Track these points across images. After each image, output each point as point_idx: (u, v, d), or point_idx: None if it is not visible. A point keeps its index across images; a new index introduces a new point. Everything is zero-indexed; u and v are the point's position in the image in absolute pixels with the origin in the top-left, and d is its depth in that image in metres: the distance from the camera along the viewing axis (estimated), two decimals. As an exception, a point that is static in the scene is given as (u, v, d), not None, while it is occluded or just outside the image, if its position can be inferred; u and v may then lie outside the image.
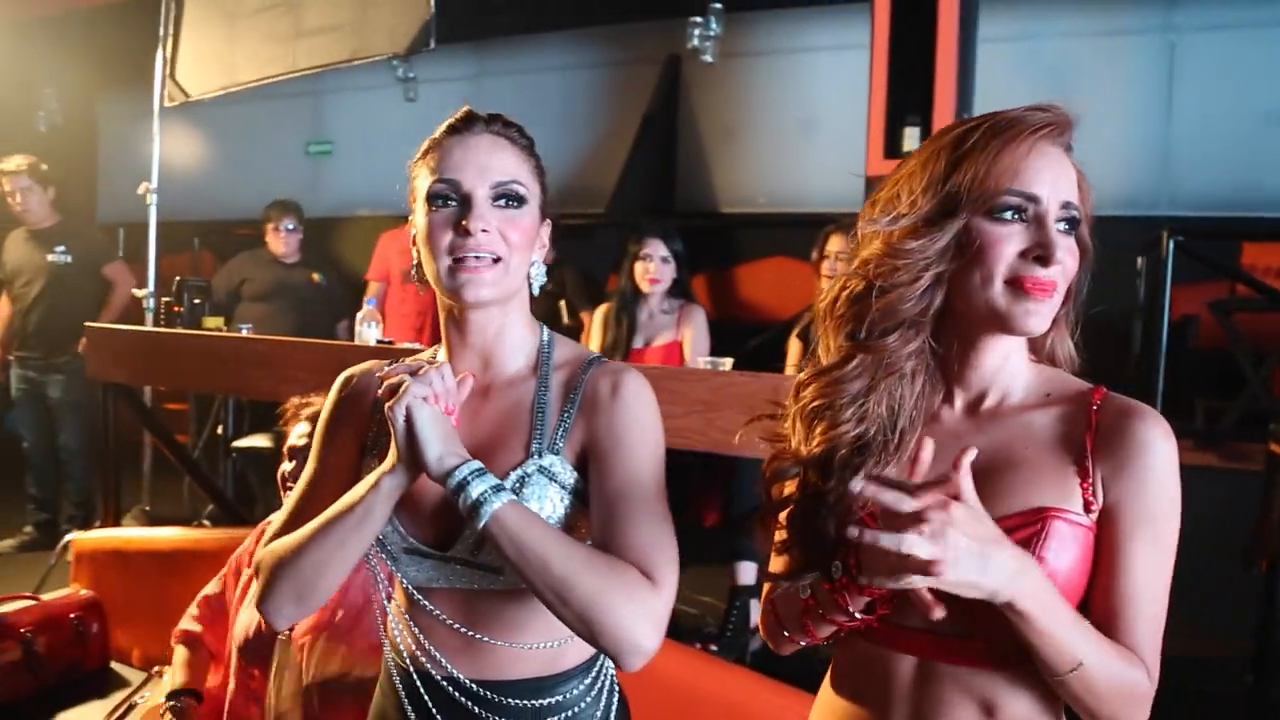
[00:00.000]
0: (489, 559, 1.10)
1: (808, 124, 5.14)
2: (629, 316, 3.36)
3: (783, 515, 1.07)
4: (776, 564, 1.09)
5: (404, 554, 1.14)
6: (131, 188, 3.98)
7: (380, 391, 1.07)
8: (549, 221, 1.19)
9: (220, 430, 4.16)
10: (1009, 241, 0.97)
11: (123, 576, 2.78)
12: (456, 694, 1.14)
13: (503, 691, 1.13)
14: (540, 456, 1.10)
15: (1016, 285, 0.97)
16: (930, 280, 1.00)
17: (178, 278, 3.39)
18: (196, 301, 3.25)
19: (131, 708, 2.36)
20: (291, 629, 1.90)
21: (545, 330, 1.21)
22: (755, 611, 3.02)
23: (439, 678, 1.14)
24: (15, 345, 4.55)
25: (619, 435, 1.10)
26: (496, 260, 1.09)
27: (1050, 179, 0.98)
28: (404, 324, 4.34)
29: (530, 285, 1.17)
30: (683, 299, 3.41)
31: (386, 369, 1.19)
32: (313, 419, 1.91)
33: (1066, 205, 0.98)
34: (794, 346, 3.36)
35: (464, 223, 1.08)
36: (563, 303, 4.04)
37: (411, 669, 1.16)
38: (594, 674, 1.18)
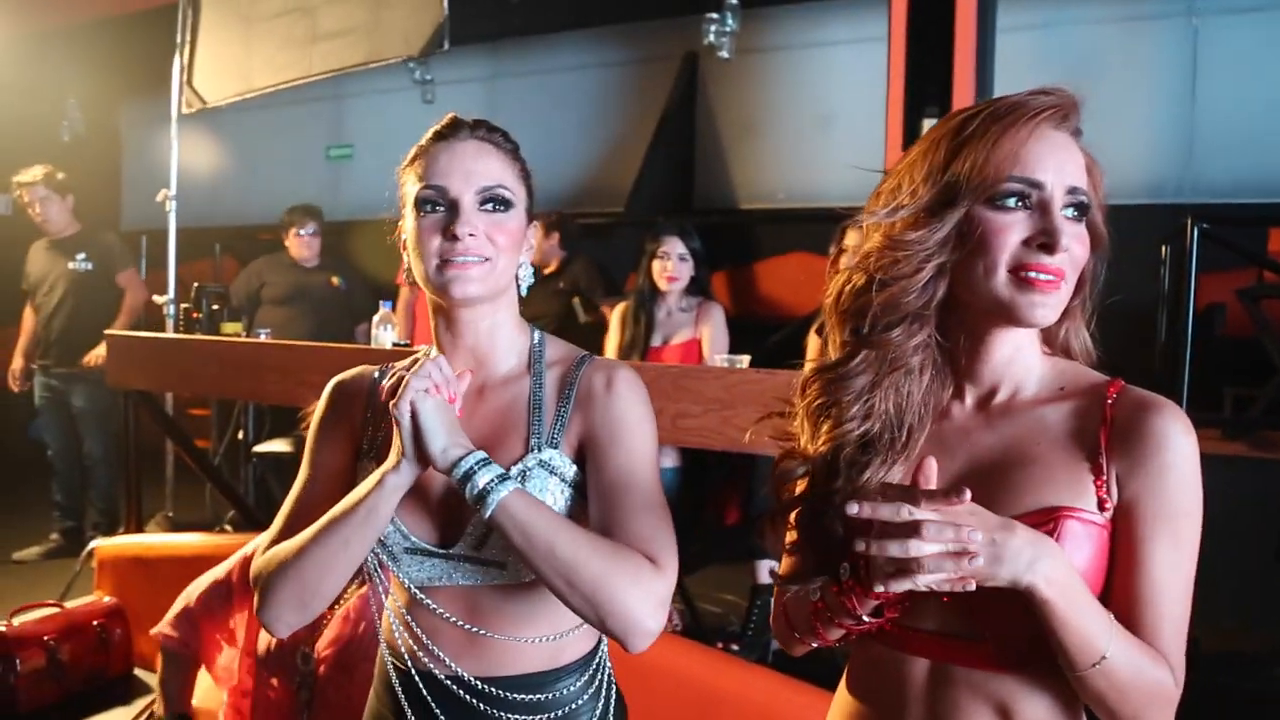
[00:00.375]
0: (493, 554, 1.12)
1: (826, 118, 5.11)
2: (647, 315, 3.35)
3: (792, 516, 1.06)
4: (786, 565, 1.08)
5: (405, 554, 1.15)
6: (153, 194, 4.02)
7: (382, 397, 1.08)
8: (536, 224, 1.22)
9: (241, 435, 4.19)
10: (1012, 230, 0.94)
11: (146, 583, 2.80)
12: (460, 692, 1.15)
13: (505, 687, 1.14)
14: (540, 451, 1.13)
15: (1021, 275, 0.94)
16: (932, 271, 0.97)
17: (195, 284, 3.41)
18: (215, 307, 3.27)
19: (155, 715, 2.37)
20: (315, 643, 1.90)
21: (535, 331, 1.23)
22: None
23: (442, 676, 1.15)
24: (39, 354, 4.61)
25: (615, 427, 1.13)
26: (484, 260, 1.12)
27: (1054, 164, 0.95)
28: (429, 326, 4.32)
29: (518, 286, 1.19)
30: (701, 296, 3.39)
31: (382, 375, 1.22)
32: None
33: (1073, 190, 0.95)
34: (813, 342, 3.33)
35: (451, 227, 1.11)
36: (577, 300, 4.03)
37: (412, 669, 1.17)
38: (592, 670, 1.20)
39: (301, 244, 4.44)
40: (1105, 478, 0.95)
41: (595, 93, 5.71)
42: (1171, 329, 3.41)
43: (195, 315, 3.28)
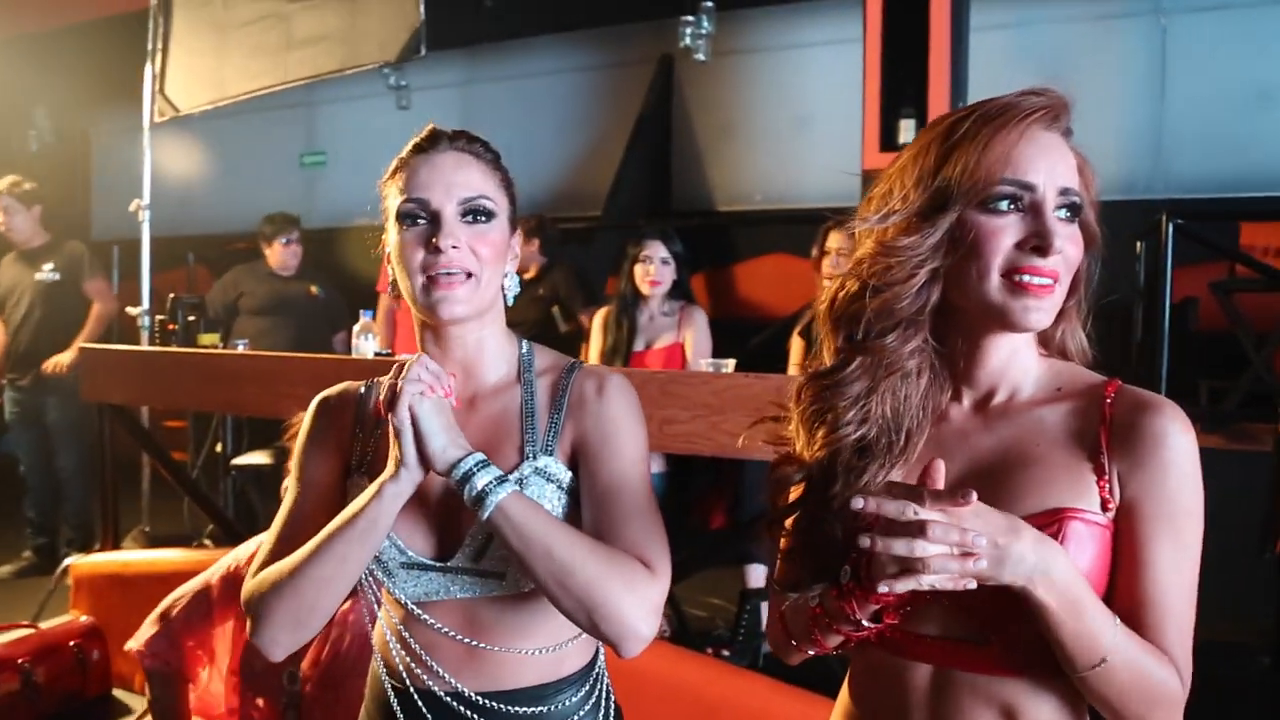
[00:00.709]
0: (492, 564, 1.11)
1: (802, 120, 5.13)
2: (629, 319, 3.33)
3: (789, 521, 1.05)
4: (782, 571, 1.07)
5: (401, 569, 1.13)
6: (124, 203, 3.97)
7: (376, 409, 1.09)
8: (519, 232, 1.22)
9: (219, 448, 4.14)
10: (1004, 233, 0.94)
11: (124, 601, 2.74)
12: (460, 708, 1.14)
13: (506, 701, 1.13)
14: (535, 459, 1.13)
15: (1015, 279, 0.94)
16: (926, 277, 0.97)
17: (171, 295, 3.36)
18: (191, 318, 3.22)
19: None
20: (301, 662, 1.87)
21: (523, 341, 1.23)
22: (767, 615, 3.00)
23: (441, 693, 1.14)
24: (8, 367, 4.53)
25: (607, 433, 1.14)
26: (469, 276, 1.11)
27: (1046, 165, 0.94)
28: (412, 335, 4.30)
29: (505, 296, 1.19)
30: (683, 300, 3.39)
31: (369, 390, 1.22)
32: None
33: (1065, 191, 0.95)
34: (796, 345, 3.33)
35: (434, 240, 1.10)
36: (556, 308, 4.01)
37: (411, 688, 1.15)
38: (591, 681, 1.19)
39: (287, 253, 4.39)
40: (1107, 477, 0.95)
41: (571, 97, 5.70)
42: (1148, 323, 3.45)
43: (171, 327, 3.23)
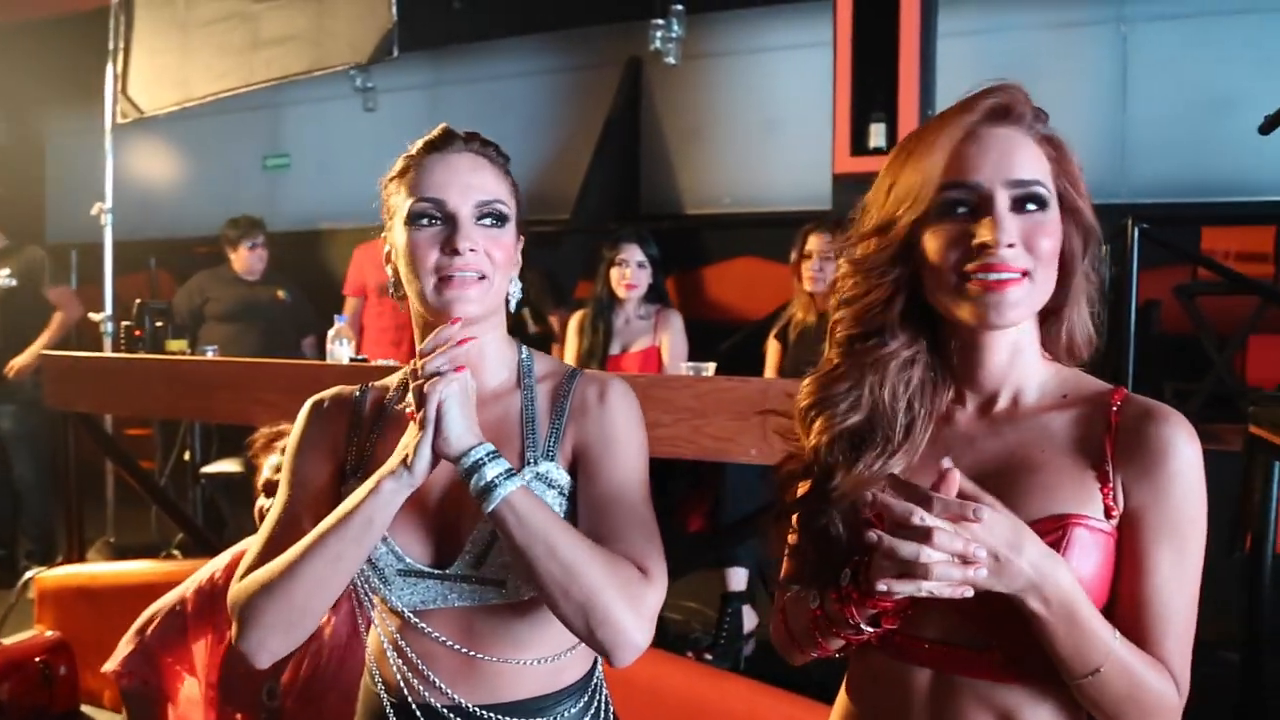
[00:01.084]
0: (491, 572, 1.09)
1: (771, 123, 5.15)
2: (605, 323, 3.32)
3: (794, 518, 1.06)
4: (787, 568, 1.08)
5: (398, 576, 1.11)
6: (81, 206, 3.88)
7: (409, 413, 1.06)
8: (522, 235, 1.20)
9: (188, 456, 4.06)
10: (953, 236, 0.95)
11: (92, 615, 2.68)
12: None
13: (505, 712, 1.12)
14: (536, 464, 1.12)
15: (972, 278, 0.94)
16: (889, 289, 1.00)
17: (138, 300, 3.28)
18: (158, 325, 3.15)
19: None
20: (281, 676, 1.83)
21: (523, 346, 1.22)
22: (748, 618, 3.00)
23: (440, 706, 1.12)
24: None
25: (609, 439, 1.13)
26: (482, 278, 1.10)
27: (990, 161, 0.95)
28: (382, 338, 4.27)
29: (508, 302, 1.18)
30: (659, 304, 3.38)
31: (363, 394, 1.22)
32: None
33: (1018, 183, 0.95)
34: (772, 348, 3.35)
35: (452, 242, 1.09)
36: (527, 310, 3.99)
37: (410, 701, 1.13)
38: (589, 693, 1.18)
39: (253, 257, 4.31)
40: (1112, 485, 0.95)
41: (539, 99, 5.67)
42: (1114, 326, 3.50)
43: (138, 333, 3.15)
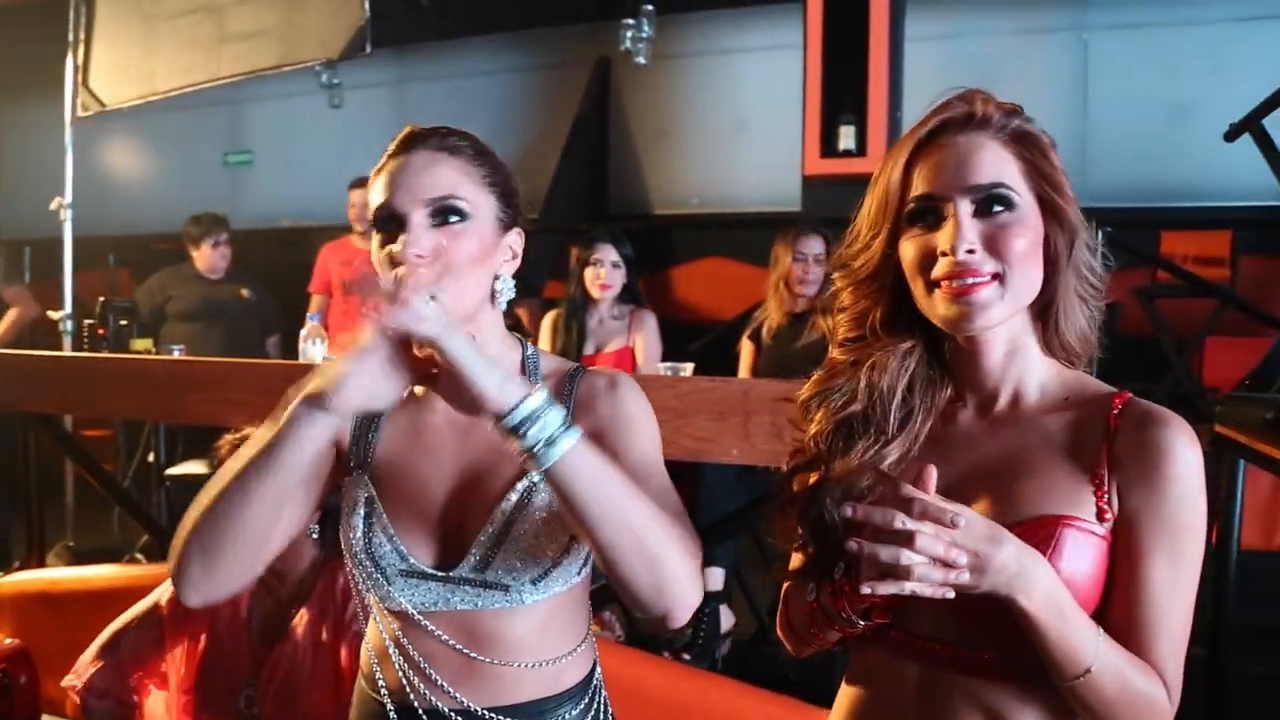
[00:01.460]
0: (496, 575, 1.07)
1: (740, 125, 5.18)
2: (579, 323, 3.31)
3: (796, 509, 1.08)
4: (794, 561, 1.09)
5: (400, 576, 1.09)
6: (36, 201, 3.78)
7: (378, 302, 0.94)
8: (519, 229, 1.14)
9: (152, 457, 3.97)
10: (921, 247, 0.98)
11: (53, 621, 2.60)
12: None
13: (506, 714, 1.11)
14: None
15: (940, 284, 0.96)
16: (879, 298, 1.03)
17: (101, 298, 3.20)
18: (123, 323, 3.08)
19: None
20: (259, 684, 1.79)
21: (527, 345, 1.18)
22: (725, 617, 3.01)
23: (445, 708, 1.10)
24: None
25: (627, 421, 1.10)
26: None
27: (953, 167, 0.96)
28: (347, 336, 4.22)
29: (494, 298, 1.12)
30: (633, 304, 3.37)
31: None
32: None
33: (977, 188, 0.96)
34: (746, 349, 3.37)
35: (402, 250, 1.04)
36: None
37: (415, 704, 1.11)
38: (589, 695, 1.16)
39: (215, 255, 4.24)
40: (1106, 489, 0.95)
41: (507, 98, 5.64)
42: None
43: (101, 332, 3.08)
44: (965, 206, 0.96)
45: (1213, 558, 2.62)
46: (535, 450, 0.92)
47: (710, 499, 2.84)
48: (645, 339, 3.30)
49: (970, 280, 0.95)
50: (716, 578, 2.93)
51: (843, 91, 4.10)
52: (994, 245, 0.95)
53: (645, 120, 5.43)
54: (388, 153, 1.11)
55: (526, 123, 5.59)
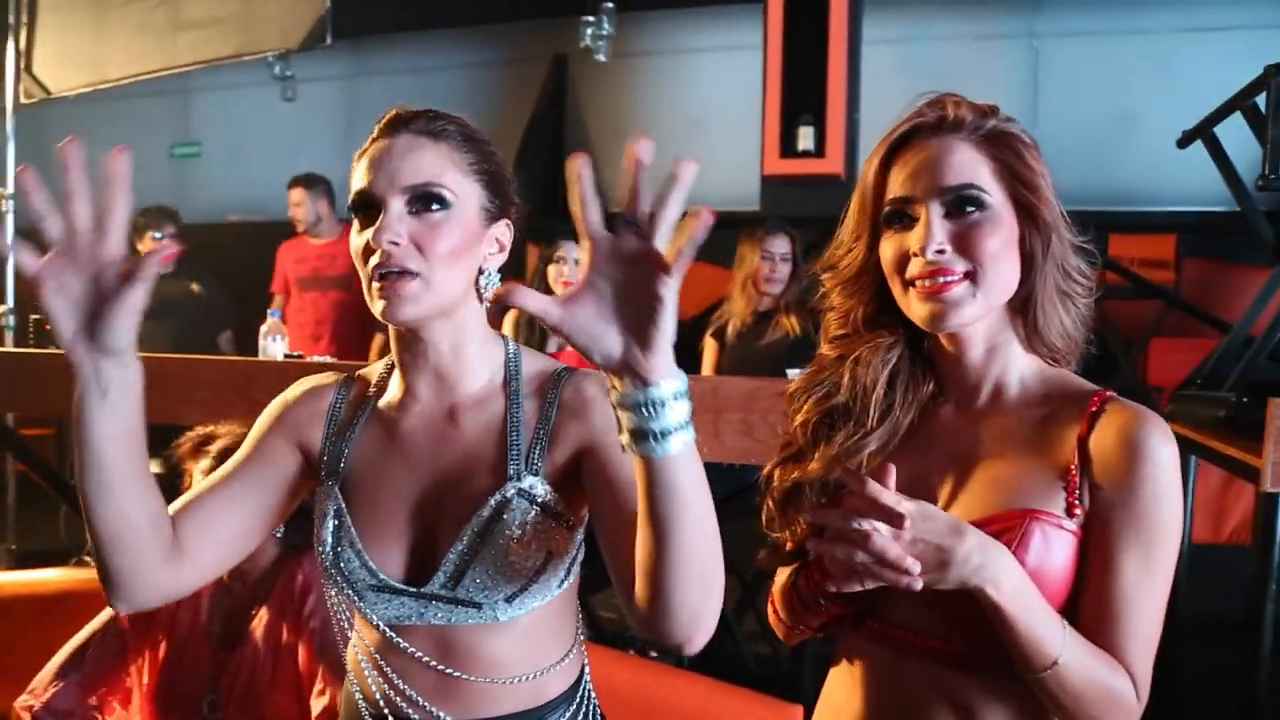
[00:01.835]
0: (467, 593, 1.03)
1: (697, 123, 5.19)
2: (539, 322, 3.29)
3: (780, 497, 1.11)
4: (780, 550, 1.10)
5: (370, 591, 1.05)
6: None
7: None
8: (507, 221, 1.08)
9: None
10: (896, 248, 1.00)
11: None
12: None
13: None
14: (519, 479, 1.03)
15: (913, 285, 0.99)
16: (862, 297, 1.06)
17: (49, 292, 3.09)
18: (71, 317, 2.96)
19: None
20: (220, 687, 1.75)
21: (510, 343, 1.12)
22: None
23: None
24: None
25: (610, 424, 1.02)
26: (405, 273, 0.99)
27: (924, 170, 0.99)
28: (302, 333, 4.16)
29: (479, 293, 1.06)
30: (596, 301, 3.36)
31: (346, 387, 1.14)
32: (222, 455, 1.74)
33: (945, 190, 0.98)
34: (710, 347, 3.38)
35: (375, 239, 0.99)
36: None
37: (390, 716, 1.08)
38: (576, 703, 1.13)
39: (158, 248, 4.11)
40: (1077, 484, 0.96)
41: (463, 94, 5.59)
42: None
43: (48, 327, 2.96)
44: (936, 208, 0.98)
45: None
46: (650, 431, 0.77)
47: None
48: (610, 337, 3.29)
49: (942, 279, 0.97)
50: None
51: (802, 92, 4.13)
52: (965, 245, 0.97)
53: (602, 118, 5.42)
54: (371, 135, 1.05)
55: (481, 119, 5.39)
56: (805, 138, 4.12)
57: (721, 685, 2.04)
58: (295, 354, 2.75)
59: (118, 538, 0.95)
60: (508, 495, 1.02)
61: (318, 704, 1.67)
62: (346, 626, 1.13)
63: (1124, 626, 0.94)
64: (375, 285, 1.00)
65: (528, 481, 1.03)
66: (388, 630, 1.06)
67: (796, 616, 1.08)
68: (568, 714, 1.11)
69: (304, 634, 1.71)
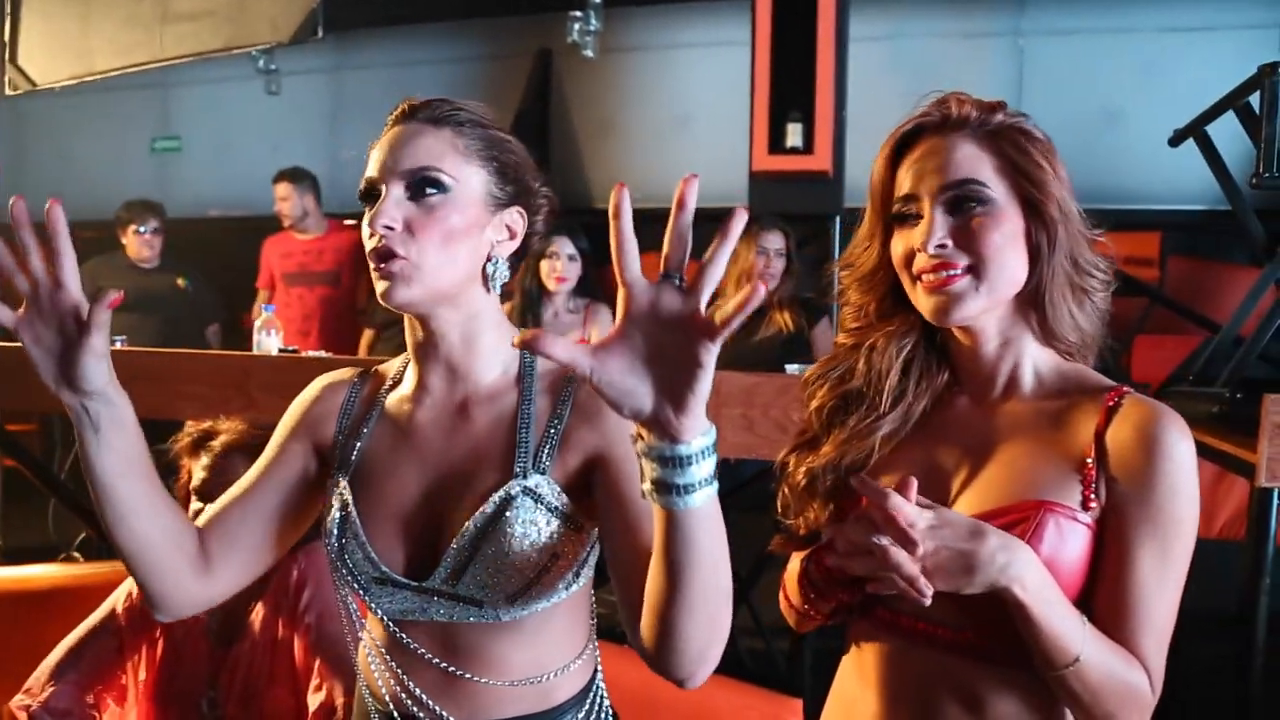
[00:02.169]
0: (467, 590, 1.02)
1: (682, 120, 5.19)
2: (534, 316, 3.29)
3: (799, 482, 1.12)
4: (791, 536, 1.12)
5: (374, 584, 1.05)
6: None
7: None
8: (519, 209, 1.06)
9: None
10: (904, 243, 1.02)
11: (-10, 623, 2.47)
12: None
13: None
14: (525, 477, 1.01)
15: (918, 279, 1.01)
16: (877, 291, 1.08)
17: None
18: (60, 312, 2.93)
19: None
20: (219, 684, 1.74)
21: None
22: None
23: None
24: None
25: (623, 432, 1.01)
26: (394, 256, 0.99)
27: (927, 167, 1.01)
28: (289, 329, 4.12)
29: (486, 282, 1.04)
30: (588, 297, 3.36)
31: (362, 380, 1.15)
32: (226, 451, 1.73)
33: (946, 186, 0.99)
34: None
35: (371, 224, 1.00)
36: None
37: (396, 713, 1.07)
38: (587, 706, 1.11)
39: (141, 243, 4.08)
40: (1093, 477, 0.97)
41: (448, 88, 5.47)
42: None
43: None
44: (939, 204, 1.00)
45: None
46: (672, 487, 0.77)
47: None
48: (600, 332, 3.29)
49: (945, 274, 0.99)
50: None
51: (791, 89, 4.14)
52: (967, 239, 0.99)
53: (587, 114, 5.41)
54: (385, 126, 1.07)
55: (467, 114, 5.51)
56: (794, 134, 4.12)
57: (722, 679, 2.03)
58: (290, 348, 2.73)
59: (140, 557, 1.00)
60: (512, 493, 1.00)
61: (314, 699, 1.66)
62: (356, 625, 1.11)
63: (1140, 621, 0.95)
64: (373, 269, 1.01)
65: (534, 480, 1.01)
66: (392, 625, 1.06)
67: (808, 603, 1.08)
68: (579, 715, 1.09)
69: (300, 628, 1.70)
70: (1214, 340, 2.34)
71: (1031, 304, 1.02)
